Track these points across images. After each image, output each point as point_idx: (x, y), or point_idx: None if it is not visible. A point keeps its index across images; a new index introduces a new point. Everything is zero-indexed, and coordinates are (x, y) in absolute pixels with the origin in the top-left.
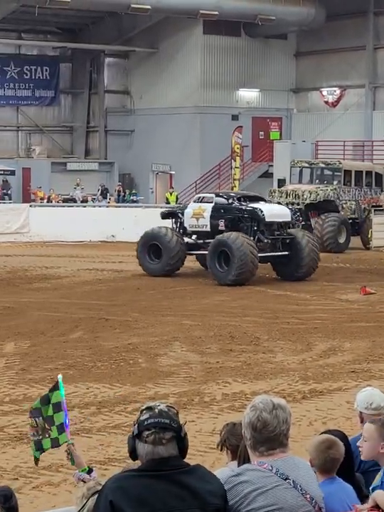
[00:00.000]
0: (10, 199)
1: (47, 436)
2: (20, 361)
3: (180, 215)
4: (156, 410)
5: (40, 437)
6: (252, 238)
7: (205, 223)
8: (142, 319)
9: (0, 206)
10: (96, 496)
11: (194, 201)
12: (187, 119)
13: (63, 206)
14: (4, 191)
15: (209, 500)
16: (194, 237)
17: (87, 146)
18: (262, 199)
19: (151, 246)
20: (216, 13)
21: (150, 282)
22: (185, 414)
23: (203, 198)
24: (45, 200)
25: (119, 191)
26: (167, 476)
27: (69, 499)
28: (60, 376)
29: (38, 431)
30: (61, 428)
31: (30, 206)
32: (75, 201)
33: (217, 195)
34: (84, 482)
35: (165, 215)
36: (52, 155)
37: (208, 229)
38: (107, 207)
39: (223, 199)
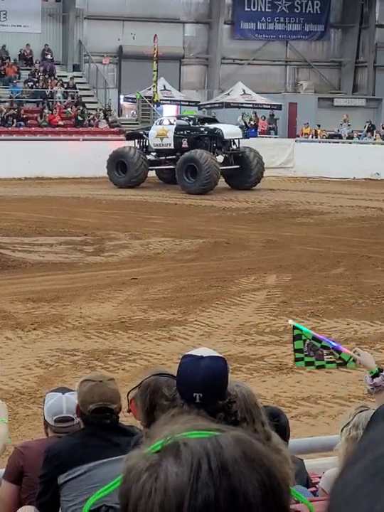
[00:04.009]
0: (276, 134)
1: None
2: (281, 294)
3: (144, 135)
4: None
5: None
6: (212, 154)
7: (169, 142)
8: None
9: (266, 141)
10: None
11: (156, 124)
12: None
13: (328, 142)
14: (270, 126)
15: None
16: (154, 154)
17: (355, 82)
18: (216, 120)
19: (118, 162)
20: None
21: None
22: None
23: (165, 120)
24: (311, 136)
25: None
26: None
27: (327, 431)
28: (290, 321)
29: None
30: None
31: (296, 141)
32: (341, 137)
33: (179, 118)
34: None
35: (129, 136)
36: (320, 90)
37: (172, 147)
38: (373, 144)
39: (184, 121)
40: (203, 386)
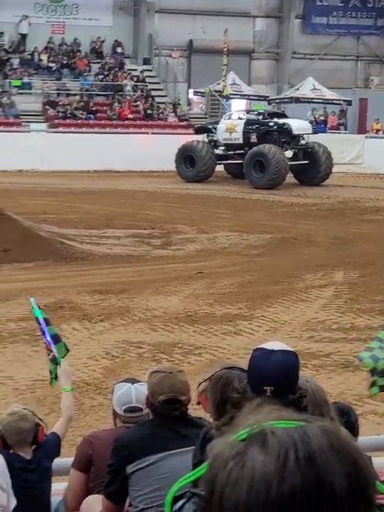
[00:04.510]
0: (345, 129)
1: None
2: (348, 290)
3: (213, 129)
4: None
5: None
6: (281, 149)
7: (237, 136)
8: None
9: (335, 136)
10: None
11: (225, 118)
12: None
13: None
14: (340, 121)
15: None
16: (222, 148)
17: None
18: (285, 115)
19: (186, 156)
20: None
21: None
22: None
23: (234, 114)
24: (382, 132)
25: None
26: None
27: None
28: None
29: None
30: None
31: (366, 137)
32: None
33: (248, 113)
34: None
35: (198, 130)
36: None
37: (241, 141)
38: None
39: (253, 116)
40: (274, 379)
